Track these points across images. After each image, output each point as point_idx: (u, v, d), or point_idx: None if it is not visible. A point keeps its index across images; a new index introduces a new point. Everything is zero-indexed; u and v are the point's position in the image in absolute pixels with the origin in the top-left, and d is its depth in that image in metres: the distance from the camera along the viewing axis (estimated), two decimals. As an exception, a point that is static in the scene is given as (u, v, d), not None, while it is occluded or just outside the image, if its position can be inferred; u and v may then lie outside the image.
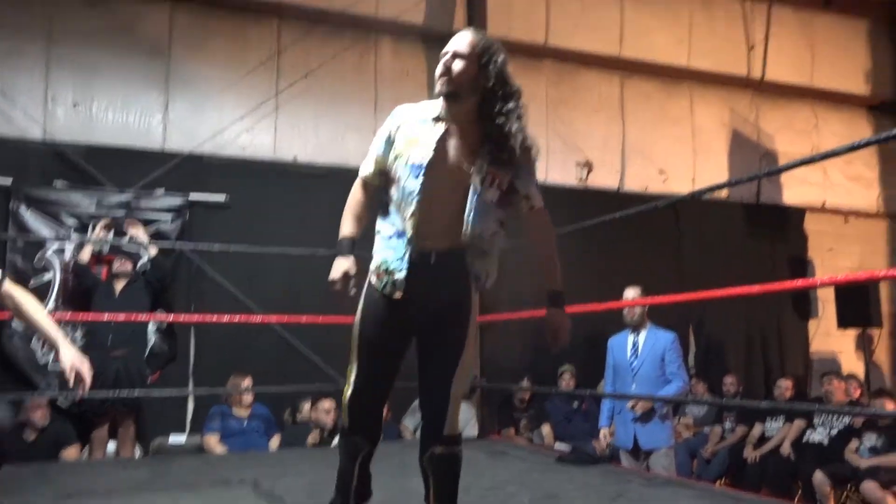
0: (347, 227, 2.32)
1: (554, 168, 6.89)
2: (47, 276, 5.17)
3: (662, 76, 7.43)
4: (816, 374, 7.34)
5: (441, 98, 2.20)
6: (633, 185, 7.18)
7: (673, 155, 7.38)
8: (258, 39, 6.09)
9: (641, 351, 4.38)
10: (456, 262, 2.20)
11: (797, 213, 7.74)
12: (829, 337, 7.58)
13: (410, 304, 2.20)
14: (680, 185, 7.31)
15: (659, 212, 6.99)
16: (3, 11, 5.46)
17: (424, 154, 2.18)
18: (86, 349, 4.97)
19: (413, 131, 2.23)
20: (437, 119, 2.22)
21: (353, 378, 2.27)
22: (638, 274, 5.69)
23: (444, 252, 2.18)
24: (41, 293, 5.11)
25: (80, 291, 5.13)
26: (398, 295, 2.20)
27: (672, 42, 7.47)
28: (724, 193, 7.50)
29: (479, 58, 2.18)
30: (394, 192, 2.24)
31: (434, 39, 6.68)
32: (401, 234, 2.21)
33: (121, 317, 4.59)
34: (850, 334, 7.65)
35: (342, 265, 2.22)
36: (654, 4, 7.42)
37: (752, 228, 7.51)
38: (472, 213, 2.16)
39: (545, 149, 6.73)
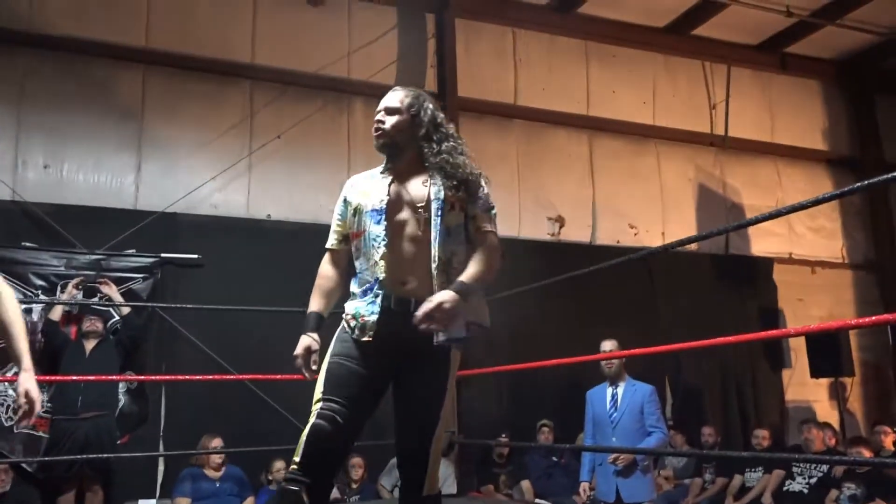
0: (314, 302, 2.34)
1: (526, 223, 6.98)
2: (14, 338, 5.04)
3: (629, 134, 7.64)
4: (792, 423, 7.38)
5: (383, 153, 2.33)
6: (605, 239, 7.29)
7: (642, 209, 7.52)
8: (231, 101, 6.17)
9: (620, 403, 4.37)
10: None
11: (766, 264, 7.88)
12: (803, 386, 7.62)
13: (382, 350, 2.18)
14: (650, 238, 7.44)
15: (632, 265, 7.13)
16: (-24, 75, 5.49)
17: (381, 198, 2.27)
18: (54, 411, 4.86)
19: (365, 187, 2.34)
20: (383, 172, 2.34)
21: (314, 412, 2.13)
22: (613, 326, 5.75)
23: (422, 299, 2.13)
24: (5, 354, 4.98)
25: (50, 351, 5.02)
26: (367, 337, 2.18)
27: (637, 102, 7.71)
28: (693, 246, 7.63)
29: (408, 109, 2.31)
30: (361, 245, 2.28)
31: (406, 100, 6.84)
32: (371, 286, 2.22)
33: (91, 377, 4.51)
34: (824, 383, 7.69)
35: (304, 341, 2.25)
36: (618, 67, 7.69)
37: (723, 280, 7.62)
38: (437, 239, 2.19)
39: (517, 205, 6.89)
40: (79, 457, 4.50)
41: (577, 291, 6.46)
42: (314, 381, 2.20)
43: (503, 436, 6.03)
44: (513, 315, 6.51)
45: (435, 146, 2.27)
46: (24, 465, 4.80)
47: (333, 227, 2.38)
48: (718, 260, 7.72)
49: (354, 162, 6.36)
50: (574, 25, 7.42)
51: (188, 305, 5.10)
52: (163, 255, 5.50)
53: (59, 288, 5.18)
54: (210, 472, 5.06)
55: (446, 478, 5.56)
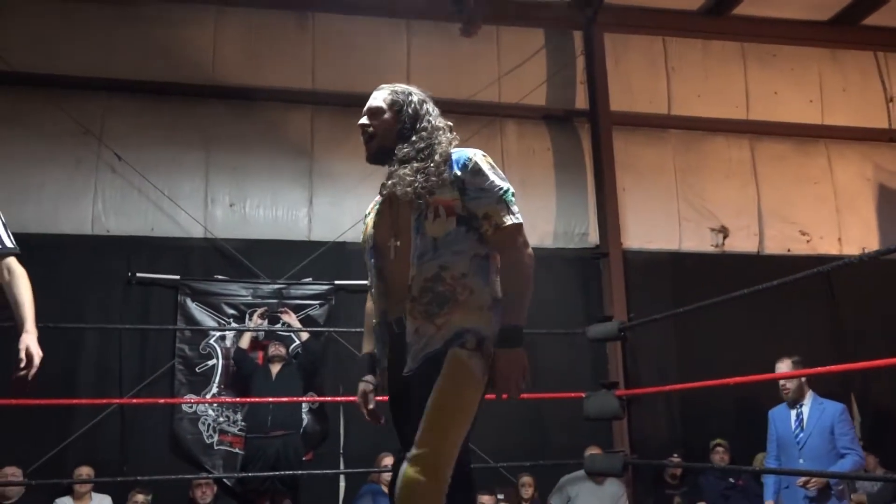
0: (364, 343, 2.24)
1: (687, 236, 6.78)
2: (210, 363, 5.56)
3: (795, 136, 7.22)
4: None
5: (375, 164, 2.14)
6: (774, 248, 6.92)
7: (814, 215, 7.07)
8: (392, 132, 6.46)
9: (807, 423, 4.12)
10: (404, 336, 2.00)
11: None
12: None
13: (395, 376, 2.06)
14: (825, 245, 6.99)
15: (809, 275, 6.72)
16: (167, 127, 6.12)
17: (369, 233, 2.15)
18: (248, 430, 5.28)
19: (365, 222, 2.22)
20: (381, 192, 2.14)
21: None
22: (789, 340, 5.46)
23: (399, 322, 2.02)
24: (206, 378, 5.50)
25: (241, 376, 5.46)
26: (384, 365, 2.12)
27: (802, 101, 7.29)
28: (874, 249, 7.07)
29: (392, 107, 2.10)
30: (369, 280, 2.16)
31: (556, 119, 6.88)
32: (378, 322, 2.13)
33: (279, 399, 4.88)
34: None
35: (360, 386, 2.15)
36: (780, 66, 7.32)
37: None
38: (415, 255, 1.96)
39: (677, 217, 6.69)
40: (271, 473, 4.87)
41: (748, 304, 6.17)
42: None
43: (674, 456, 5.85)
44: (681, 332, 6.37)
45: (415, 144, 2.04)
46: (224, 480, 5.23)
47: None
48: (905, 265, 7.10)
49: (511, 182, 6.45)
50: (729, 28, 7.15)
51: (359, 329, 5.38)
52: (336, 282, 5.84)
53: (247, 316, 5.64)
54: (387, 489, 5.27)
55: (619, 497, 5.47)
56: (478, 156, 2.01)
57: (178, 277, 5.62)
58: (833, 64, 7.43)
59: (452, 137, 2.08)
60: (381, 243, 2.09)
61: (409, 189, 1.96)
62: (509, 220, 1.95)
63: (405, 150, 2.03)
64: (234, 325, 5.58)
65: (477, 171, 1.97)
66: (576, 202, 6.66)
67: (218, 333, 5.57)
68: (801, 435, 4.14)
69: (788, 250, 6.90)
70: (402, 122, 2.07)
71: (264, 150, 6.22)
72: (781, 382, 4.22)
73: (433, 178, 1.96)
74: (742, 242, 6.89)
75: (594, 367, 6.19)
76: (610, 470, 4.55)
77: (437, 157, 2.00)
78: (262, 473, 4.87)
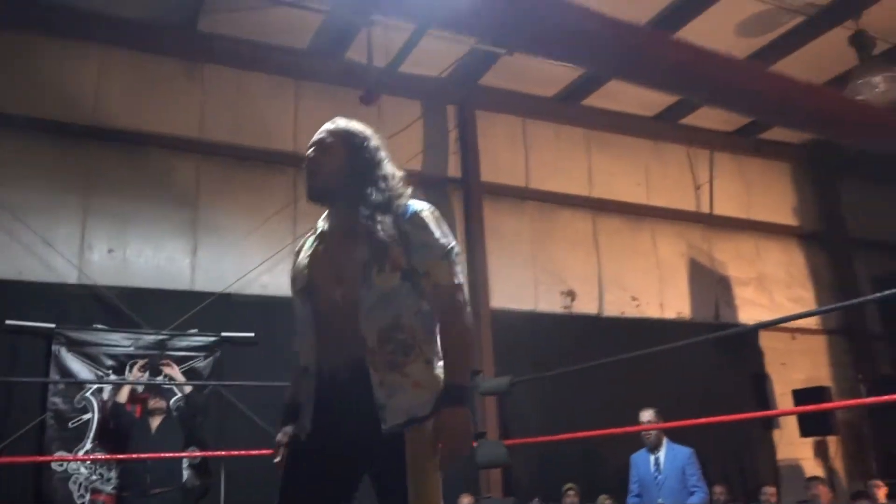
0: (288, 392, 2.10)
1: (542, 297, 7.54)
2: (85, 417, 5.29)
3: (627, 213, 8.33)
4: (783, 481, 7.96)
5: (315, 202, 2.01)
6: (612, 310, 7.88)
7: (642, 283, 8.16)
8: (276, 189, 6.61)
9: (664, 466, 4.87)
10: (365, 390, 1.84)
11: (752, 332, 8.56)
12: (791, 445, 8.25)
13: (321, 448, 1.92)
14: (651, 309, 8.07)
15: (635, 334, 7.74)
16: (44, 165, 5.83)
17: (304, 273, 2.01)
18: (123, 488, 5.09)
19: (296, 259, 2.09)
20: (316, 233, 2.05)
21: None
22: (628, 393, 6.32)
23: (350, 374, 1.87)
24: (80, 433, 5.22)
25: (118, 431, 5.26)
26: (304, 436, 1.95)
27: (632, 183, 8.44)
28: (687, 315, 8.29)
29: (345, 144, 1.99)
30: (297, 327, 2.03)
31: (431, 184, 7.39)
32: (305, 370, 1.98)
33: (161, 455, 4.80)
34: (809, 442, 8.34)
35: (279, 436, 2.05)
36: (614, 151, 8.43)
37: (716, 346, 8.25)
38: (364, 306, 1.86)
39: (533, 280, 7.42)
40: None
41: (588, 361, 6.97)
42: None
43: (536, 500, 6.42)
44: (540, 386, 7.03)
45: (383, 191, 1.94)
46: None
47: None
48: (711, 328, 8.38)
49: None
50: (576, 115, 8.16)
51: (245, 382, 5.45)
52: (223, 334, 5.83)
53: (128, 368, 5.46)
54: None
55: (488, 541, 5.91)
56: (426, 209, 1.97)
57: (53, 326, 5.32)
58: (656, 153, 8.70)
59: (408, 189, 2.02)
60: (318, 286, 1.96)
61: (380, 235, 1.88)
62: (450, 280, 1.90)
63: (375, 196, 1.93)
64: (113, 377, 5.37)
65: (423, 225, 1.92)
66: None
67: (95, 386, 5.33)
68: (660, 477, 4.88)
69: (623, 313, 7.90)
70: (352, 163, 1.96)
71: (148, 196, 6.10)
72: (644, 432, 4.95)
73: (391, 230, 1.90)
74: (586, 305, 7.78)
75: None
76: (502, 514, 4.98)
77: (396, 207, 1.94)
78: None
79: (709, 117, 8.57)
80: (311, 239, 2.07)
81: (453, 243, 1.96)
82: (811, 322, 9.05)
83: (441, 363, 1.91)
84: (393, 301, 1.87)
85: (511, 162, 7.79)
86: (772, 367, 8.53)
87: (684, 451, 4.89)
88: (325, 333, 1.93)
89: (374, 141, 2.03)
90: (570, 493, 6.53)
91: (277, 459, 2.03)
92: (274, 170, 6.65)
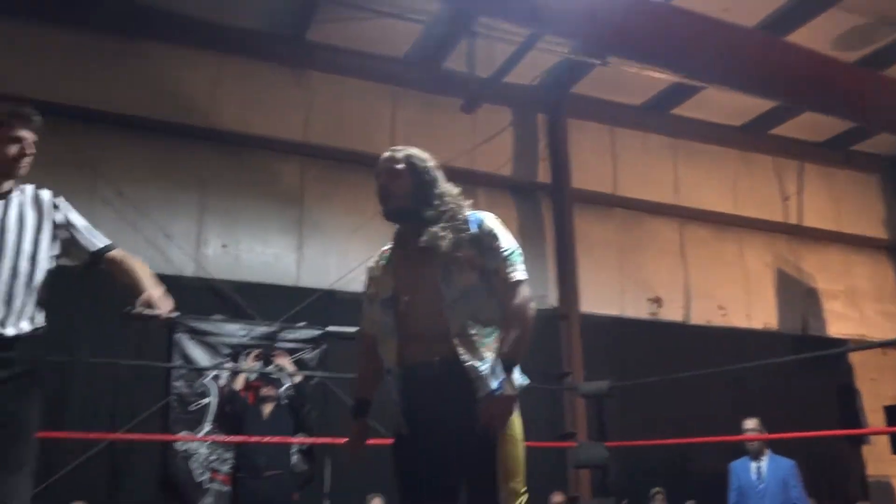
0: (355, 388, 2.42)
1: (628, 304, 7.61)
2: (205, 401, 5.61)
3: (714, 222, 8.33)
4: (874, 497, 7.81)
5: (392, 220, 2.33)
6: (698, 319, 7.89)
7: (729, 292, 8.14)
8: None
9: (766, 476, 4.88)
10: (456, 373, 2.13)
11: (840, 344, 8.43)
12: (881, 462, 8.08)
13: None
14: (737, 319, 8.05)
15: (721, 343, 7.73)
16: (163, 164, 6.21)
17: (388, 286, 2.29)
18: (238, 470, 5.37)
19: (377, 273, 2.38)
20: (392, 247, 2.36)
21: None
22: (713, 401, 6.33)
23: (439, 361, 2.15)
24: (199, 416, 5.55)
25: (233, 415, 5.55)
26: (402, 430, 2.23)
27: (720, 193, 8.44)
28: (774, 325, 8.24)
29: (410, 169, 2.28)
30: (378, 332, 2.31)
31: (521, 190, 7.57)
32: (388, 371, 2.25)
33: (272, 439, 5.07)
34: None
35: (354, 427, 2.36)
36: (702, 160, 8.45)
37: (804, 359, 8.15)
38: (446, 303, 2.15)
39: (620, 286, 7.50)
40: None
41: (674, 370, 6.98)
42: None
43: (624, 501, 6.47)
44: (627, 392, 7.09)
45: (438, 206, 2.23)
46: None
47: (363, 313, 2.40)
48: (798, 339, 8.29)
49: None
50: (664, 124, 8.21)
51: (349, 375, 5.67)
52: (328, 328, 6.09)
53: (241, 356, 5.76)
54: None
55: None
56: (490, 218, 2.27)
57: (176, 314, 5.64)
58: (744, 164, 8.67)
59: (469, 202, 2.32)
60: (402, 293, 2.24)
61: (443, 245, 2.17)
62: (515, 276, 2.19)
63: (430, 211, 2.24)
64: (230, 364, 5.68)
65: (490, 232, 2.22)
66: (536, 267, 7.30)
67: (213, 372, 5.64)
68: (761, 486, 4.90)
69: (709, 321, 7.90)
70: (418, 185, 2.26)
71: (256, 195, 6.43)
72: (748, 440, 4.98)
73: (462, 236, 2.20)
74: (672, 312, 7.81)
75: (547, 419, 6.76)
76: (604, 511, 5.07)
77: (460, 217, 2.24)
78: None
79: (798, 128, 8.51)
80: (387, 255, 2.37)
81: (516, 246, 2.25)
82: (901, 337, 8.86)
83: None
84: (471, 296, 2.17)
85: (599, 169, 7.89)
86: (861, 381, 8.38)
87: (787, 463, 4.90)
88: (408, 335, 2.21)
89: (432, 163, 2.32)
90: (658, 496, 6.57)
91: (355, 449, 2.37)
92: (373, 173, 6.89)
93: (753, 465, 4.95)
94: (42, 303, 2.41)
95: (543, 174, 7.61)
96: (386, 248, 2.40)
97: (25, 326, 2.32)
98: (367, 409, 2.35)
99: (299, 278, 6.39)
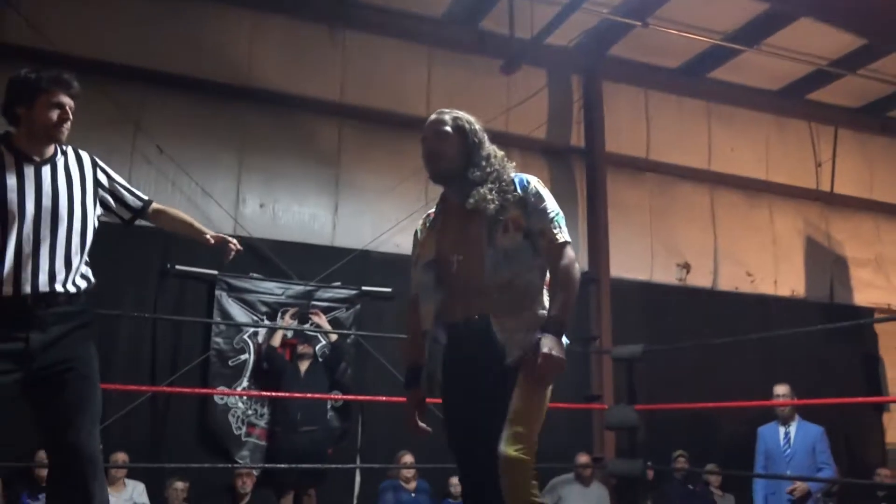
0: (409, 354, 2.44)
1: (658, 268, 7.64)
2: (243, 357, 5.76)
3: (745, 188, 8.29)
4: (891, 465, 7.91)
5: (439, 183, 2.36)
6: (725, 285, 7.93)
7: (757, 259, 8.15)
8: (411, 152, 6.85)
9: (794, 441, 4.98)
10: (490, 332, 2.21)
11: (867, 313, 8.46)
12: (901, 430, 8.19)
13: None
14: (765, 286, 8.07)
15: (748, 309, 7.77)
16: (203, 122, 6.26)
17: (431, 246, 2.35)
18: (275, 424, 5.54)
19: (422, 235, 2.43)
20: (438, 209, 2.39)
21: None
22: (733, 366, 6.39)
23: (478, 322, 2.23)
24: (238, 371, 5.70)
25: (270, 372, 5.71)
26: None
27: (752, 158, 8.37)
28: (801, 293, 8.26)
29: (458, 131, 2.30)
30: (419, 293, 2.37)
31: (555, 153, 7.55)
32: (425, 333, 2.33)
33: (309, 395, 5.21)
34: (918, 428, 8.26)
35: (411, 398, 2.41)
36: (736, 125, 8.36)
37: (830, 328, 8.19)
38: (489, 263, 2.20)
39: (650, 251, 7.52)
40: (312, 465, 5.17)
41: (701, 334, 7.04)
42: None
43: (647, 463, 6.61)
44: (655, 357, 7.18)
45: (485, 168, 2.26)
46: (254, 471, 5.45)
47: (412, 277, 2.44)
48: (825, 307, 8.31)
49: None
50: (699, 88, 8.11)
51: (384, 334, 5.80)
52: (363, 287, 6.19)
53: (279, 314, 5.89)
54: (406, 485, 5.70)
55: (603, 499, 6.18)
56: (534, 180, 2.30)
57: (216, 272, 5.78)
58: (778, 129, 8.58)
59: (513, 164, 2.36)
60: (443, 257, 2.30)
61: (490, 206, 2.21)
62: (561, 238, 2.23)
63: (477, 173, 2.27)
64: (268, 322, 5.81)
65: (536, 193, 2.26)
66: (568, 230, 7.33)
67: (251, 329, 5.78)
68: (789, 451, 5.00)
69: (736, 288, 7.94)
70: (466, 147, 2.28)
71: (293, 155, 6.48)
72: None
73: (508, 197, 2.24)
74: (700, 278, 7.85)
75: (575, 381, 6.88)
76: (633, 473, 5.21)
77: (505, 178, 2.27)
78: (303, 465, 5.12)
79: (835, 93, 8.37)
80: (433, 217, 2.40)
81: (559, 209, 2.29)
82: (928, 307, 8.86)
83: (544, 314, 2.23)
84: (514, 258, 2.21)
85: (632, 133, 7.84)
86: (885, 350, 8.42)
87: (816, 429, 4.99)
88: (452, 295, 2.28)
89: (477, 125, 2.34)
90: (681, 459, 6.71)
91: (419, 421, 2.39)
92: (408, 134, 6.88)
93: (782, 430, 5.05)
94: (89, 261, 2.55)
95: (577, 137, 7.58)
96: (431, 210, 2.44)
97: (83, 283, 2.47)
98: (419, 376, 2.36)
99: (335, 238, 6.47)
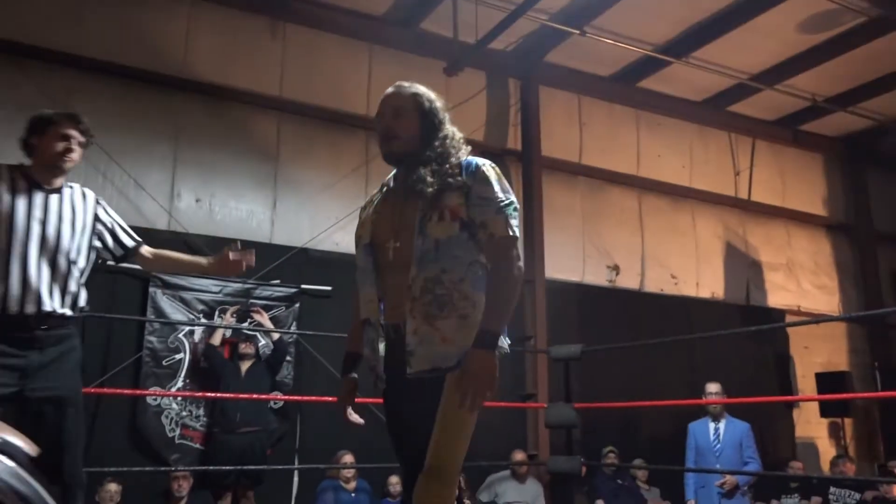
0: (349, 342, 2.24)
1: (589, 270, 7.86)
2: (178, 357, 5.58)
3: (670, 194, 8.63)
4: (799, 458, 8.41)
5: (392, 164, 2.11)
6: (652, 287, 8.23)
7: (681, 262, 8.50)
8: (350, 149, 6.84)
9: (723, 437, 5.24)
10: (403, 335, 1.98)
11: (779, 315, 8.96)
12: (808, 425, 8.70)
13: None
14: (687, 288, 8.43)
15: (672, 311, 8.11)
16: (137, 112, 6.03)
17: (367, 229, 2.12)
18: (213, 426, 5.41)
19: (364, 215, 2.20)
20: (382, 191, 2.17)
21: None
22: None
23: (401, 322, 1.98)
24: (173, 371, 5.53)
25: (210, 371, 5.55)
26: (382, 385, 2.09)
27: (677, 165, 8.72)
28: (720, 295, 8.67)
29: (417, 108, 2.07)
30: (358, 279, 2.14)
31: (492, 156, 7.64)
32: (367, 321, 2.10)
33: (249, 396, 5.12)
34: (824, 423, 8.80)
35: (344, 386, 2.22)
36: (662, 133, 8.70)
37: (745, 327, 8.63)
38: (416, 255, 1.95)
39: (581, 253, 7.74)
40: (254, 467, 5.08)
41: (629, 336, 7.31)
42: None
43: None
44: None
45: (437, 149, 2.03)
46: (191, 475, 5.30)
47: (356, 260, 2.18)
48: (742, 309, 8.75)
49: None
50: (629, 95, 8.39)
51: (325, 333, 5.74)
52: (303, 286, 6.11)
53: (217, 313, 5.74)
54: (346, 485, 5.67)
55: (538, 495, 6.32)
56: (486, 165, 2.03)
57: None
58: (700, 138, 8.97)
59: (468, 148, 2.11)
60: (378, 241, 2.07)
61: (428, 189, 1.96)
62: (504, 232, 1.96)
63: (430, 154, 2.03)
64: (205, 320, 5.65)
65: (484, 178, 1.99)
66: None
67: (187, 328, 5.61)
68: (719, 446, 5.26)
69: (662, 290, 8.26)
70: (425, 127, 2.06)
71: (231, 149, 6.32)
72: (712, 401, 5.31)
73: (450, 181, 1.98)
74: (629, 280, 8.12)
75: (509, 380, 7.00)
76: (571, 470, 5.35)
77: (452, 161, 2.02)
78: (242, 467, 5.04)
79: (753, 106, 8.83)
80: (378, 197, 2.18)
81: (512, 199, 2.02)
82: (833, 308, 9.45)
83: (477, 319, 1.95)
84: (446, 251, 1.94)
85: (566, 138, 8.03)
86: (795, 349, 8.94)
87: (743, 426, 5.27)
88: (384, 285, 2.04)
89: (439, 103, 2.12)
90: (611, 455, 6.93)
91: (350, 412, 2.21)
92: (347, 131, 6.87)
93: (712, 426, 5.30)
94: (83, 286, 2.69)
95: (513, 140, 7.71)
96: (378, 190, 2.22)
97: (77, 307, 2.62)
98: (356, 364, 2.20)
99: (273, 235, 6.35)
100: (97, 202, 2.78)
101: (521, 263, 1.99)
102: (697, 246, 8.71)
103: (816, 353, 9.07)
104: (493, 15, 6.61)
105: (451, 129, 2.12)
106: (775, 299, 9.04)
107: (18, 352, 2.43)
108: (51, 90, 5.61)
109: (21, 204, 2.52)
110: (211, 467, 5.04)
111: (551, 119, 7.92)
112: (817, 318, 8.01)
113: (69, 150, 2.63)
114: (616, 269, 8.06)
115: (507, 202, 1.98)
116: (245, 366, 5.56)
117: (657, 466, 6.51)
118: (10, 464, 1.55)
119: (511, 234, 1.97)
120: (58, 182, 2.66)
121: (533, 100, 7.63)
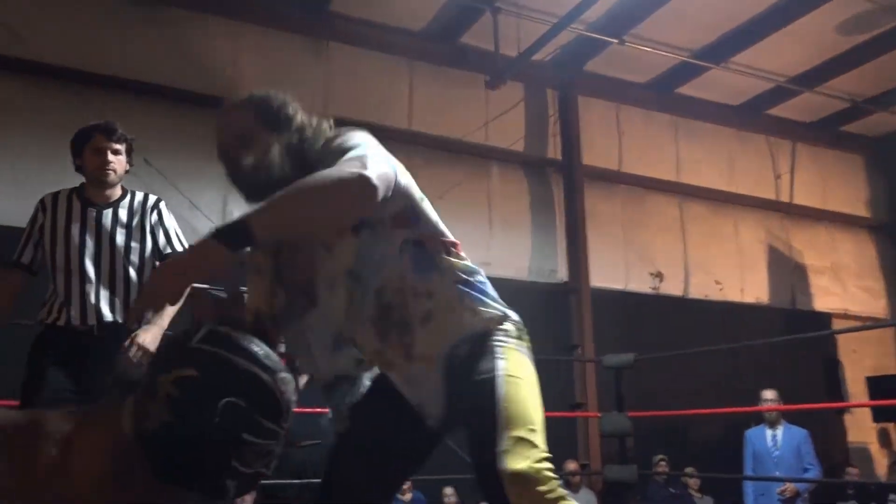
0: None
1: (633, 278, 7.85)
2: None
3: (712, 200, 8.59)
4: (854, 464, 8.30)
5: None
6: (696, 293, 8.19)
7: (725, 267, 8.45)
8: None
9: (781, 443, 5.20)
10: None
11: (826, 319, 8.86)
12: (860, 430, 8.58)
13: None
14: (732, 294, 8.37)
15: (717, 317, 8.06)
16: (188, 135, 6.16)
17: None
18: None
19: None
20: None
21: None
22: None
23: None
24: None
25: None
26: None
27: (717, 170, 8.69)
28: (766, 300, 8.60)
29: (262, 120, 1.68)
30: None
31: (531, 165, 7.70)
32: None
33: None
34: (874, 428, 8.67)
35: None
36: (701, 139, 8.67)
37: (792, 332, 8.55)
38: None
39: (625, 261, 7.74)
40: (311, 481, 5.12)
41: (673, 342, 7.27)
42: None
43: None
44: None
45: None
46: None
47: None
48: (787, 313, 8.67)
49: (494, 221, 7.17)
50: (667, 102, 8.39)
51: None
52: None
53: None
54: (402, 497, 5.71)
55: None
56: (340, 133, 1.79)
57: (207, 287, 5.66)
58: (739, 143, 8.92)
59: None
60: None
61: None
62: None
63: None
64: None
65: (341, 143, 1.72)
66: (546, 242, 7.48)
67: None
68: (777, 453, 5.21)
69: (706, 296, 8.21)
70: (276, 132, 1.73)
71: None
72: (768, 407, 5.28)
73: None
74: (673, 287, 8.09)
75: (560, 389, 7.01)
76: (628, 479, 5.33)
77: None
78: (309, 481, 5.09)
79: (791, 109, 8.77)
80: None
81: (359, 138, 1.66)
82: (879, 312, 9.32)
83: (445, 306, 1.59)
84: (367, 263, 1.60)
85: (605, 146, 8.04)
86: (844, 353, 8.83)
87: (801, 432, 5.23)
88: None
89: (288, 104, 1.77)
90: (662, 463, 6.90)
91: None
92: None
93: (769, 432, 5.27)
94: None
95: (553, 150, 7.74)
96: None
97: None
98: None
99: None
100: (154, 208, 2.83)
101: (358, 189, 1.46)
102: (741, 251, 8.65)
103: (865, 357, 8.94)
104: (532, 27, 6.66)
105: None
106: (821, 303, 8.94)
107: (80, 360, 2.52)
108: (104, 114, 5.74)
109: (75, 225, 2.63)
110: (273, 481, 5.10)
111: (590, 128, 7.93)
112: (866, 326, 7.91)
113: (106, 163, 2.68)
114: (660, 276, 8.04)
115: (353, 143, 1.64)
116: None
117: (714, 474, 6.46)
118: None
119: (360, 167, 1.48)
120: (110, 195, 2.73)
121: (572, 109, 7.66)
